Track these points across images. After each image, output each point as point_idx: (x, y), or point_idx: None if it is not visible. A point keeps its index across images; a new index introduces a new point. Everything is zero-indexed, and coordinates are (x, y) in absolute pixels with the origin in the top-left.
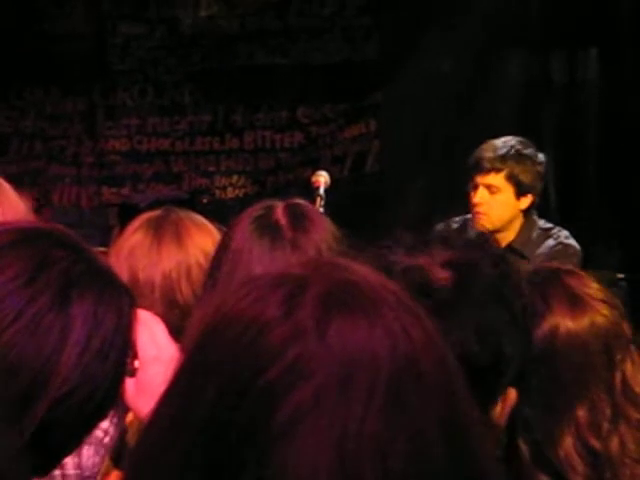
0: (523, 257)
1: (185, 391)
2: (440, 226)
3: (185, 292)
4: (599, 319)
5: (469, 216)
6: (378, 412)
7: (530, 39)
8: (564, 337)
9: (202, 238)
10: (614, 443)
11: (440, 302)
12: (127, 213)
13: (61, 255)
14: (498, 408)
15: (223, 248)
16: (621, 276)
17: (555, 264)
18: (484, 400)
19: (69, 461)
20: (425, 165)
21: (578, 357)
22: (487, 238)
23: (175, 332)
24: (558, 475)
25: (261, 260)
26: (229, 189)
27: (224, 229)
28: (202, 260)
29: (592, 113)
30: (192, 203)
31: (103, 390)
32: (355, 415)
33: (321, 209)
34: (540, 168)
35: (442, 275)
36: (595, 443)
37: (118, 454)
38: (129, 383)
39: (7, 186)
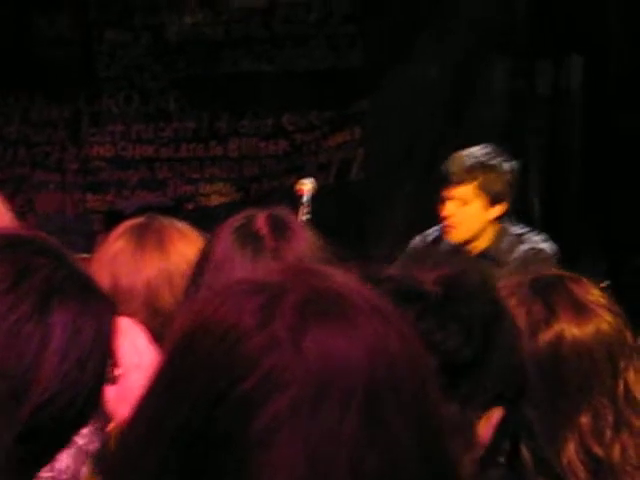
0: (496, 263)
1: (162, 397)
2: (416, 240)
3: (167, 299)
4: (604, 326)
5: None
6: (354, 423)
7: (516, 47)
8: (569, 344)
9: (185, 246)
10: (616, 450)
11: (429, 303)
12: (112, 220)
13: (42, 262)
14: (482, 426)
15: (204, 257)
16: (604, 285)
17: (558, 271)
18: (466, 399)
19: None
20: (410, 173)
21: (583, 364)
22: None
23: (157, 339)
24: None
25: (243, 270)
26: (213, 196)
27: (208, 237)
28: (185, 267)
29: (577, 122)
30: (177, 210)
31: (84, 397)
32: (331, 425)
33: (305, 217)
34: (509, 176)
35: (431, 279)
36: (598, 450)
37: (101, 462)
38: (110, 390)
39: None
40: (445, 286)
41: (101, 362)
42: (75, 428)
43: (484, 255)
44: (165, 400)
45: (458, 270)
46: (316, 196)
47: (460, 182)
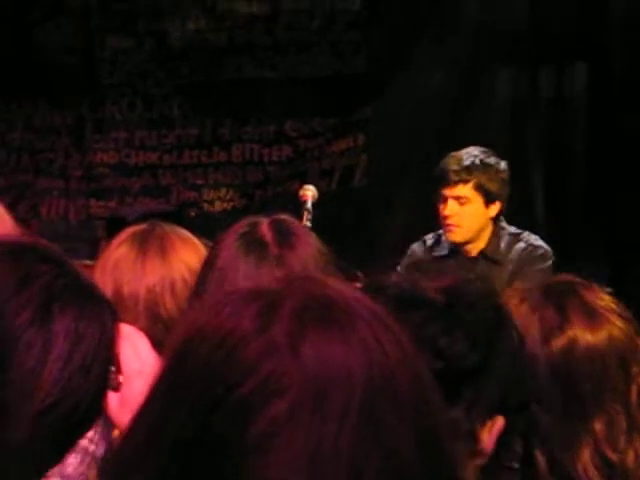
0: (497, 264)
1: (161, 403)
2: (415, 245)
3: (169, 306)
4: (616, 332)
5: (441, 231)
6: (352, 428)
7: (519, 53)
8: (583, 350)
9: (187, 252)
10: (630, 456)
11: (433, 309)
12: (115, 226)
13: (44, 269)
14: (485, 435)
15: (209, 265)
16: (609, 291)
17: (569, 277)
18: (471, 405)
19: (54, 470)
20: (413, 179)
21: (596, 370)
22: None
23: (159, 346)
24: None
25: (247, 277)
26: (217, 202)
27: (210, 244)
28: (186, 274)
29: (580, 128)
30: (180, 216)
31: (86, 403)
32: (329, 431)
33: (308, 223)
34: (504, 175)
35: (434, 287)
36: (612, 456)
37: (103, 467)
38: (113, 397)
39: None
40: (448, 293)
41: (104, 369)
42: (78, 434)
43: (484, 255)
44: (164, 406)
45: (460, 278)
46: (318, 202)
47: (458, 182)
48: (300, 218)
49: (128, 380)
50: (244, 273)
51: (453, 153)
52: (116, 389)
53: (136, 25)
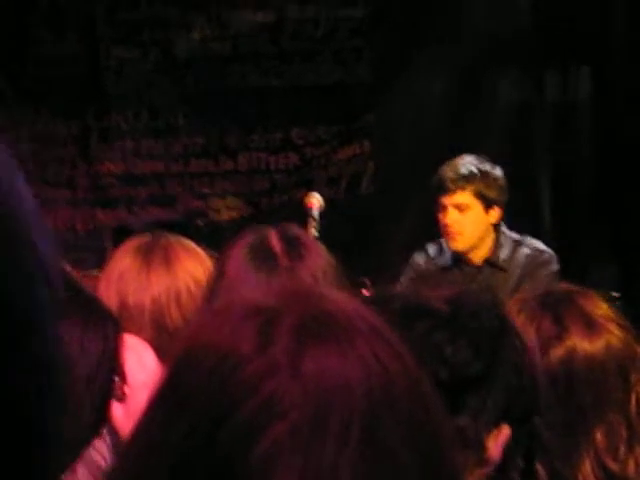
0: (503, 270)
1: (161, 419)
2: (418, 255)
3: (174, 317)
4: (614, 341)
5: (442, 240)
6: (354, 448)
7: (522, 58)
8: (581, 359)
9: (192, 263)
10: (631, 465)
11: (438, 319)
12: (122, 236)
13: None
14: (492, 443)
15: (218, 277)
16: (617, 295)
17: (566, 286)
18: (476, 413)
19: None
20: (419, 186)
21: (595, 379)
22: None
23: (164, 357)
24: None
25: (257, 289)
26: (224, 211)
27: (216, 255)
28: (192, 285)
29: (585, 132)
30: (187, 226)
31: (90, 414)
32: (331, 451)
33: (314, 230)
34: (501, 181)
35: (438, 297)
36: (613, 466)
37: None
38: (118, 408)
39: None
40: (453, 303)
41: (108, 379)
42: (83, 444)
43: (489, 262)
44: (164, 422)
45: (464, 289)
46: (325, 210)
47: (456, 189)
48: (306, 226)
49: (133, 391)
50: (254, 285)
51: (448, 162)
52: (121, 400)
53: (141, 35)
